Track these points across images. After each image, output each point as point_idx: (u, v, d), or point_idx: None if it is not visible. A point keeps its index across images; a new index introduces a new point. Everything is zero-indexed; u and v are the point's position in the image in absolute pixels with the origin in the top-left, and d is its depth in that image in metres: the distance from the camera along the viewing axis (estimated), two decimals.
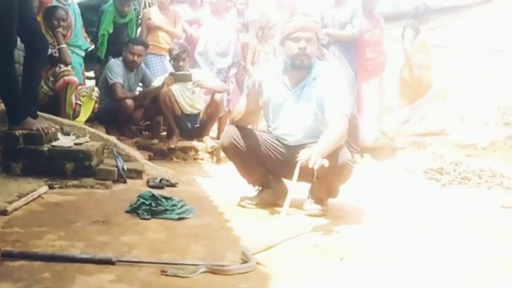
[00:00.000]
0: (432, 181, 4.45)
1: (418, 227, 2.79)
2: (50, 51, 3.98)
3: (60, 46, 4.36)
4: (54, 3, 4.62)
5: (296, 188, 2.57)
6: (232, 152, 3.03)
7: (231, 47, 5.94)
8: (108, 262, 1.89)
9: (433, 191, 4.10)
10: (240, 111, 3.05)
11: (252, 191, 3.15)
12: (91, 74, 6.06)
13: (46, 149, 3.37)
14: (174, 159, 5.06)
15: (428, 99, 6.14)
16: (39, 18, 4.30)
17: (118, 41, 5.53)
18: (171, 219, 2.63)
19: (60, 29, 4.41)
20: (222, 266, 1.94)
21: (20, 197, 2.75)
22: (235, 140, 2.97)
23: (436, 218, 3.03)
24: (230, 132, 3.03)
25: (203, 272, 1.86)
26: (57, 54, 4.33)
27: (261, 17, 5.93)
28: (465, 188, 4.23)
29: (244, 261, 1.99)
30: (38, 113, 3.58)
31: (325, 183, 2.84)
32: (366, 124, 5.52)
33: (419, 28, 6.12)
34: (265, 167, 3.07)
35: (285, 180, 3.06)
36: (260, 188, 3.14)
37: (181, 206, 2.79)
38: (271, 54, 5.80)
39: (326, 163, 2.45)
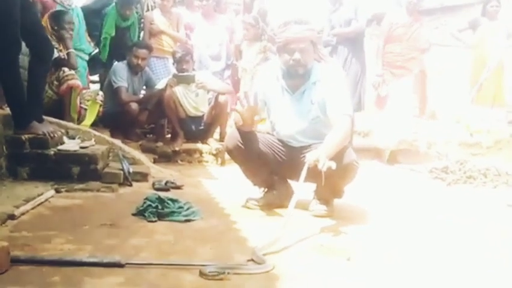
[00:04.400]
0: (437, 180, 4.45)
1: (424, 227, 2.79)
2: (57, 54, 4.00)
3: (69, 50, 4.38)
4: (58, 7, 4.64)
5: (302, 189, 2.57)
6: (237, 154, 3.04)
7: (223, 49, 5.91)
8: (116, 265, 1.90)
9: (439, 191, 4.10)
10: (238, 121, 3.00)
11: (258, 192, 3.15)
12: (95, 77, 6.08)
13: (52, 153, 3.39)
14: (179, 161, 5.07)
15: None
16: (44, 22, 4.33)
17: (120, 45, 5.54)
18: (178, 221, 2.63)
19: (69, 34, 4.44)
20: (240, 265, 1.96)
21: (27, 201, 2.75)
22: (239, 142, 2.97)
23: (442, 218, 3.03)
24: (234, 135, 3.03)
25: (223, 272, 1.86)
26: (65, 58, 4.36)
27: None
28: (471, 187, 4.23)
29: (254, 262, 2.00)
30: (44, 117, 3.60)
31: (330, 183, 2.84)
32: (388, 125, 5.36)
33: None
34: (270, 168, 3.08)
35: (291, 181, 3.07)
36: (265, 189, 3.14)
37: (188, 208, 2.79)
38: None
39: (334, 165, 2.45)
